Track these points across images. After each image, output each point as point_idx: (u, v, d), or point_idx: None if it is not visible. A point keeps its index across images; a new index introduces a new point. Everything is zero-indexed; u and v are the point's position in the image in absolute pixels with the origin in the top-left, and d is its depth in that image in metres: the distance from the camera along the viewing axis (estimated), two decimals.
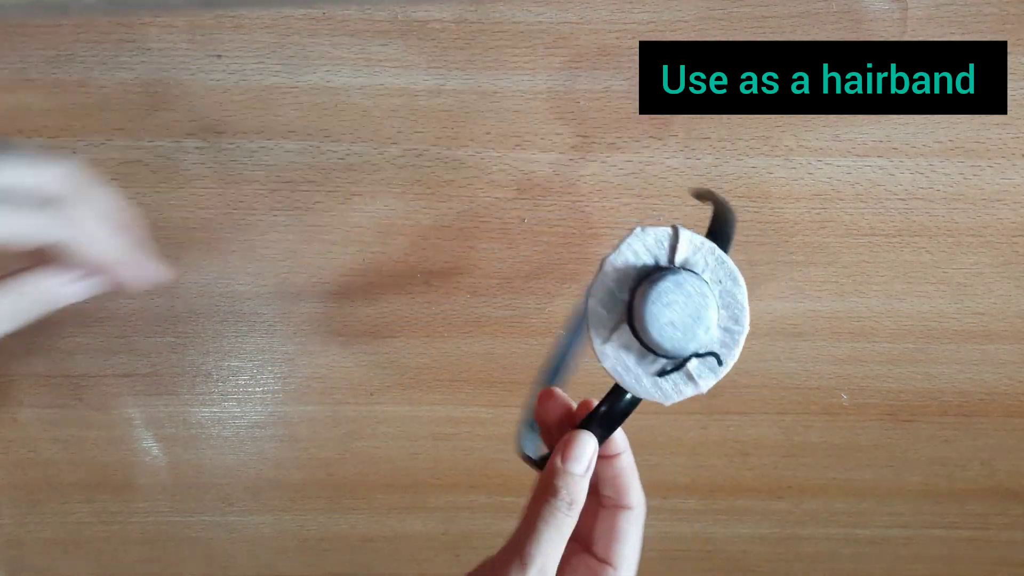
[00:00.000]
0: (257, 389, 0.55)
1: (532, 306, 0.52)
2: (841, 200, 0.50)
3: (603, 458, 0.35)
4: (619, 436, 0.36)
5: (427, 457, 0.56)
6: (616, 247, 0.31)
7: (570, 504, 0.32)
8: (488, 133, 0.48)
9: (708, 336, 0.30)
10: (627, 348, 0.31)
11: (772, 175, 0.49)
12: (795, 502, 0.59)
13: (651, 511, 0.60)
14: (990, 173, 0.49)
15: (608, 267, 0.31)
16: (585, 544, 0.35)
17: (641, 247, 0.31)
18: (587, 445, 0.33)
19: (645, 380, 0.31)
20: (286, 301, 0.52)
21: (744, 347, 0.57)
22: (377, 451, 0.56)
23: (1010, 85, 0.47)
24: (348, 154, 0.48)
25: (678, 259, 0.31)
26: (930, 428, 0.56)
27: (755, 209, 0.50)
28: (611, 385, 0.32)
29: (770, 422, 0.56)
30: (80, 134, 0.47)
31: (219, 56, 0.46)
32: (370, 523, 0.60)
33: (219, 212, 0.49)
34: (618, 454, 0.35)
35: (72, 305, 0.51)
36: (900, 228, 0.50)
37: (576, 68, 0.47)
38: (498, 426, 0.55)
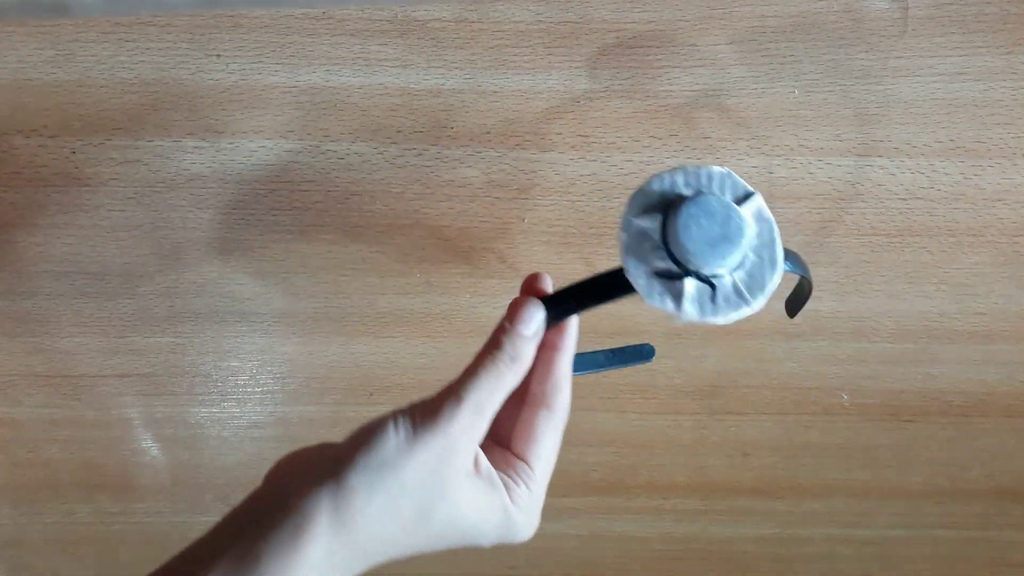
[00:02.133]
0: (256, 389, 0.55)
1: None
2: (842, 200, 0.49)
3: (547, 350, 0.35)
4: (571, 335, 0.36)
5: None
6: (698, 167, 0.32)
7: (512, 359, 0.33)
8: (488, 133, 0.48)
9: (722, 264, 0.31)
10: (647, 236, 0.32)
11: (772, 175, 0.49)
12: (795, 502, 0.59)
13: (651, 511, 0.60)
14: (991, 173, 0.49)
15: (681, 172, 0.32)
16: (505, 442, 0.35)
17: (717, 182, 0.32)
18: (535, 312, 0.34)
19: (643, 271, 0.32)
20: (286, 301, 0.52)
21: (744, 347, 0.57)
22: None
23: (1010, 85, 0.47)
24: (348, 154, 0.48)
25: (742, 209, 0.31)
26: (931, 428, 0.56)
27: None
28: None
29: (770, 422, 0.56)
30: (80, 134, 0.47)
31: (219, 56, 0.46)
32: None
33: (219, 212, 0.49)
34: (561, 351, 0.35)
35: (72, 305, 0.52)
36: (901, 228, 0.50)
37: (576, 68, 0.47)
38: None
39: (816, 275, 0.52)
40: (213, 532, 0.32)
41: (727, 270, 0.31)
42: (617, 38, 0.46)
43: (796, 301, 0.41)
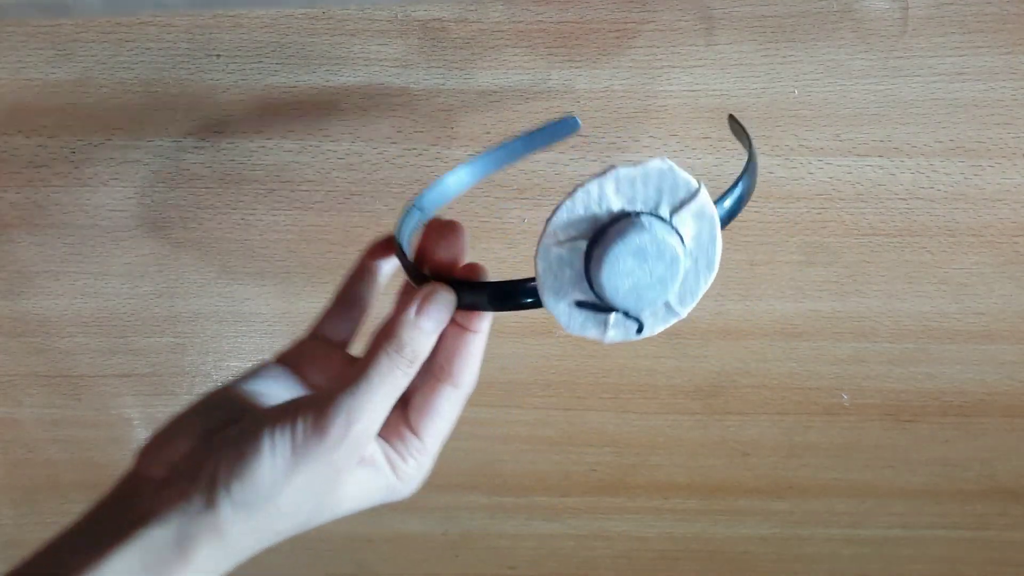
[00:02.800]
0: None
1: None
2: (842, 200, 0.50)
3: (461, 330, 0.32)
4: (488, 320, 0.33)
5: None
6: (635, 164, 0.27)
7: (411, 361, 0.30)
8: (488, 133, 0.48)
9: (652, 308, 0.27)
10: (567, 264, 0.28)
11: (772, 175, 0.49)
12: (795, 502, 0.59)
13: (651, 511, 0.60)
14: (991, 173, 0.49)
15: (611, 177, 0.27)
16: (401, 404, 0.33)
17: (666, 184, 0.27)
18: (446, 307, 0.31)
19: (563, 302, 0.28)
20: (286, 301, 0.52)
21: (744, 347, 0.57)
22: None
23: (1010, 85, 0.47)
24: (348, 154, 0.48)
25: (676, 219, 0.27)
26: (931, 428, 0.56)
27: (755, 209, 0.50)
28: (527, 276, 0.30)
29: (770, 422, 0.56)
30: (80, 134, 0.47)
31: (218, 56, 0.46)
32: (370, 523, 0.60)
33: (219, 212, 0.49)
34: (476, 332, 0.32)
35: (72, 305, 0.52)
36: (901, 228, 0.50)
37: (576, 68, 0.47)
38: (498, 426, 0.55)
39: (816, 275, 0.52)
40: (77, 531, 0.32)
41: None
42: (617, 38, 0.46)
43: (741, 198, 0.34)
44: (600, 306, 0.28)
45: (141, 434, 0.56)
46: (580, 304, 0.28)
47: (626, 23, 0.46)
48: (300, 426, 0.29)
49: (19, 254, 0.50)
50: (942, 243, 0.51)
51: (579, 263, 0.27)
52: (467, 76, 0.47)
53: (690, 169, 0.49)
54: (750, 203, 0.50)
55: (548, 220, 0.28)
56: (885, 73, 0.47)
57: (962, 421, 0.56)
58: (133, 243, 0.50)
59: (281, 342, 0.53)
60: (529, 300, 0.29)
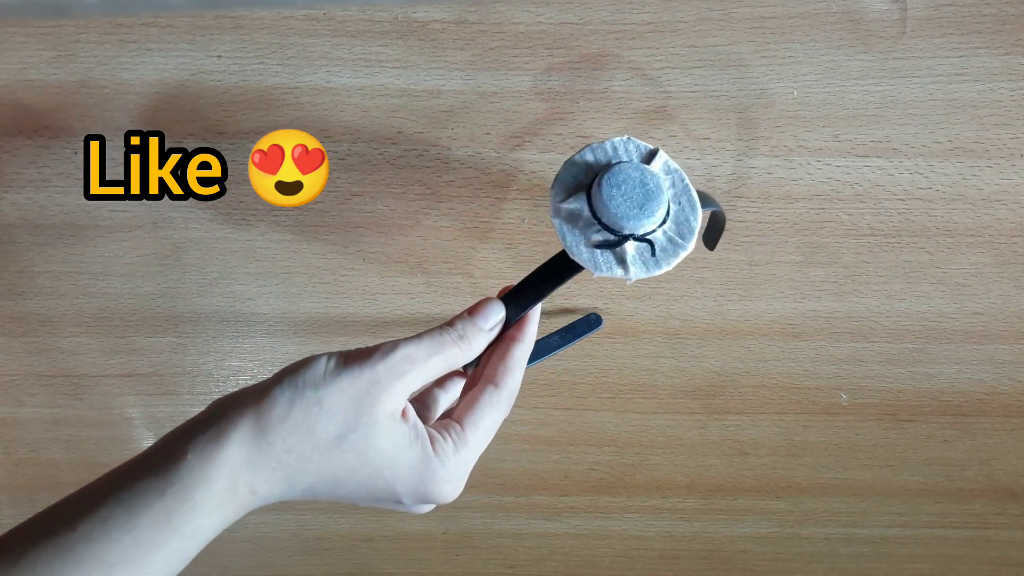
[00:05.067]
0: None
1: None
2: (840, 200, 0.50)
3: (506, 340, 0.37)
4: (531, 329, 0.38)
5: None
6: (602, 140, 0.35)
7: (460, 337, 0.35)
8: (488, 133, 0.48)
9: (652, 221, 0.34)
10: (578, 215, 0.34)
11: (772, 175, 0.49)
12: (794, 502, 0.59)
13: (651, 511, 0.60)
14: (989, 173, 0.49)
15: (588, 150, 0.35)
16: (448, 412, 0.37)
17: (623, 149, 0.36)
18: (496, 309, 0.36)
19: (584, 247, 0.34)
20: (286, 301, 0.52)
21: (744, 347, 0.57)
22: None
23: (1009, 86, 0.47)
24: (348, 154, 0.48)
25: (652, 166, 0.35)
26: (929, 428, 0.56)
27: (755, 209, 0.50)
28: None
29: (770, 422, 0.56)
30: (80, 134, 0.47)
31: (220, 56, 0.46)
32: (370, 523, 0.61)
33: (220, 212, 0.49)
34: (519, 341, 0.37)
35: (73, 305, 0.52)
36: (899, 228, 0.50)
37: (576, 68, 0.47)
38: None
39: (814, 275, 0.52)
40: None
41: (656, 224, 0.34)
42: (617, 39, 0.46)
43: (713, 232, 0.42)
44: (613, 241, 0.34)
45: (142, 434, 0.56)
46: (599, 245, 0.34)
47: (626, 23, 0.46)
48: (354, 351, 0.33)
49: (21, 254, 0.50)
50: (940, 243, 0.51)
51: (587, 212, 0.34)
52: (467, 76, 0.47)
53: (690, 169, 0.50)
54: (750, 203, 0.50)
55: (551, 189, 0.35)
56: (884, 74, 0.47)
57: (960, 421, 0.56)
58: (134, 243, 0.50)
59: (282, 342, 0.53)
60: (561, 266, 0.35)
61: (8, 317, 0.52)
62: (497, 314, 0.36)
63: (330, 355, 0.33)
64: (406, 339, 0.34)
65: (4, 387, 0.54)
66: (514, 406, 0.51)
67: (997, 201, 0.50)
